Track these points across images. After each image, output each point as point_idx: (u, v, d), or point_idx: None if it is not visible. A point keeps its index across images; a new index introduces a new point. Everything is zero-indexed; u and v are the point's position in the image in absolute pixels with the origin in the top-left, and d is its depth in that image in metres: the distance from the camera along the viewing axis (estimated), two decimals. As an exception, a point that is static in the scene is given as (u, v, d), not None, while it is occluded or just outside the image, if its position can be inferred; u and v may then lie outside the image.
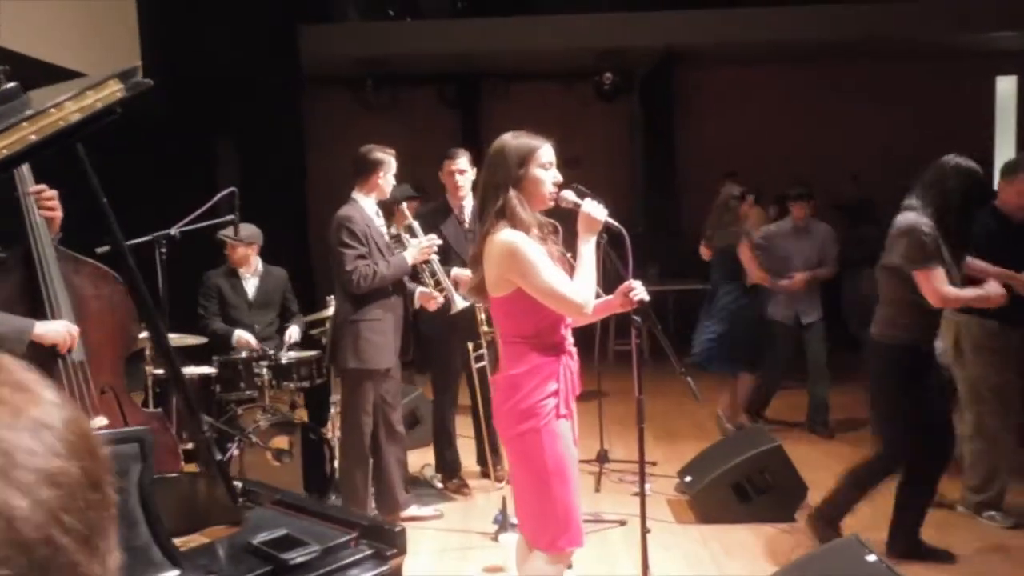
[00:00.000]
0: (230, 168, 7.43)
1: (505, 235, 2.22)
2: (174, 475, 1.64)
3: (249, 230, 4.65)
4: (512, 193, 2.26)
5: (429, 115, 9.41)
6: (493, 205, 2.27)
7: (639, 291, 2.39)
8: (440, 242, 3.89)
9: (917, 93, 9.03)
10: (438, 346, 4.36)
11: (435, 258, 3.92)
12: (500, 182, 2.27)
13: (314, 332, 4.55)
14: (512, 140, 2.33)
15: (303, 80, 8.37)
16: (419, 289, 3.92)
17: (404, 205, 3.88)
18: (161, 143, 6.74)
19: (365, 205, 3.81)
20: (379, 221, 3.87)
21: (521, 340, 2.31)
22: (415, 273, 3.97)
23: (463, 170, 4.27)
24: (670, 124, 9.37)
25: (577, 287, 2.25)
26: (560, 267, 2.34)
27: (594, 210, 2.34)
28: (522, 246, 2.21)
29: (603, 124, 9.54)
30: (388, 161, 3.79)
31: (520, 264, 2.21)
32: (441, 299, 3.90)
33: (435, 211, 4.40)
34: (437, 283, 3.94)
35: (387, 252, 3.79)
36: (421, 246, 3.80)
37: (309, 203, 7.69)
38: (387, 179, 3.79)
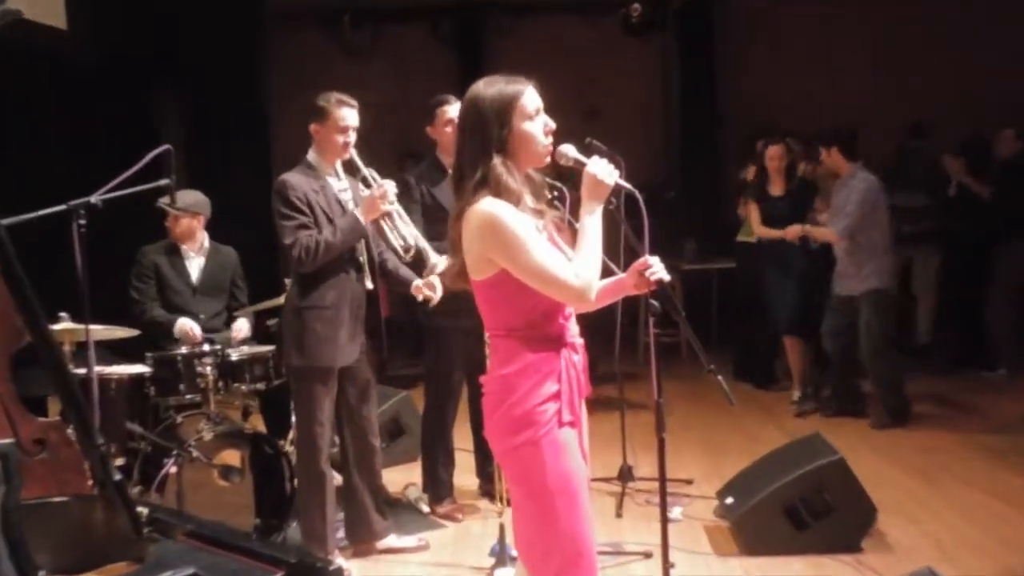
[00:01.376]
0: (175, 124, 7.42)
1: (484, 205, 2.25)
2: (61, 500, 1.57)
3: (192, 198, 4.63)
4: (496, 161, 2.28)
5: (420, 58, 9.38)
6: (471, 178, 2.29)
7: (656, 269, 2.41)
8: (394, 186, 3.85)
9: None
10: (436, 337, 4.37)
11: (396, 209, 3.88)
12: (478, 149, 2.29)
13: (271, 323, 4.56)
14: (485, 91, 2.32)
15: (265, 16, 8.35)
16: (415, 282, 3.94)
17: (354, 152, 3.82)
18: (90, 94, 6.73)
19: (318, 167, 3.82)
20: (340, 185, 3.86)
21: (510, 333, 2.33)
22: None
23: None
24: (711, 66, 9.30)
25: (576, 268, 2.25)
26: (562, 242, 2.36)
27: (601, 170, 2.33)
28: (503, 217, 2.23)
29: (630, 66, 9.49)
30: (331, 113, 3.77)
31: (502, 239, 2.23)
32: (438, 292, 3.88)
33: (425, 172, 4.40)
34: (406, 249, 3.92)
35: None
36: (374, 195, 3.76)
37: (273, 166, 7.71)
38: (331, 137, 3.77)
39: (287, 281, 4.00)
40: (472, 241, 2.28)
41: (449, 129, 4.23)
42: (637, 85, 9.53)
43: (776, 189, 6.13)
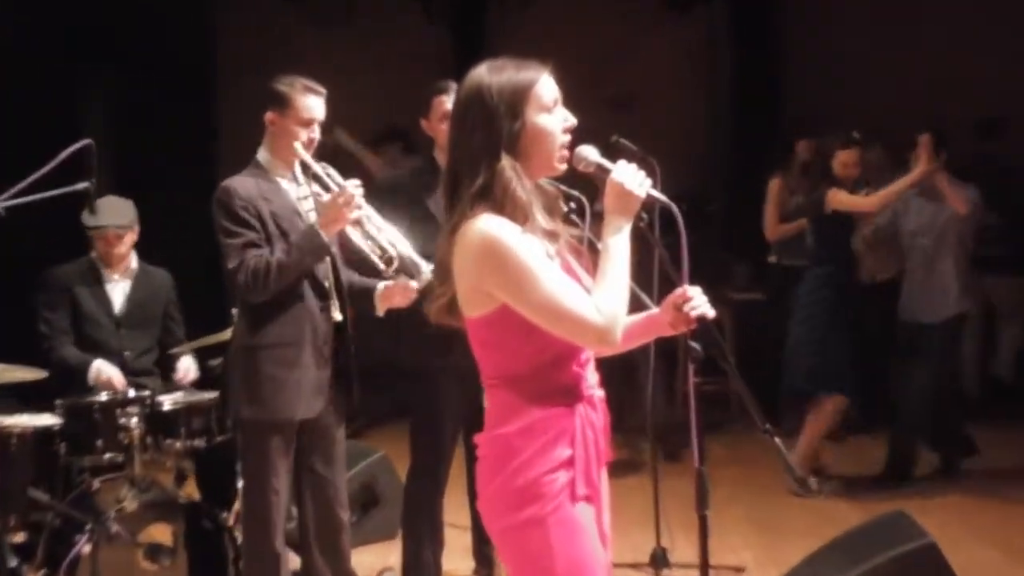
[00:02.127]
0: (98, 112, 7.45)
1: (481, 224, 2.28)
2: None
3: (118, 207, 4.64)
4: (505, 163, 2.31)
5: (407, 35, 9.37)
6: (472, 183, 2.32)
7: (698, 303, 2.42)
8: (360, 185, 3.84)
9: None
10: (424, 380, 4.39)
11: (366, 213, 3.88)
12: (481, 148, 2.33)
13: (214, 363, 4.56)
14: (492, 77, 2.36)
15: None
16: (380, 285, 3.96)
17: (298, 144, 3.84)
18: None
19: (271, 168, 3.87)
20: (299, 191, 3.91)
21: (511, 383, 2.36)
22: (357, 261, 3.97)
23: None
24: (770, 47, 9.30)
25: (598, 301, 2.28)
26: (580, 269, 2.41)
27: (629, 178, 2.36)
28: (506, 240, 2.26)
29: (670, 47, 9.47)
30: (294, 101, 3.80)
31: (504, 268, 2.26)
32: (415, 286, 3.88)
33: (416, 175, 4.47)
34: (384, 254, 3.90)
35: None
36: (336, 202, 3.75)
37: (220, 167, 7.69)
38: (290, 130, 3.80)
39: (235, 312, 4.02)
40: (466, 268, 2.30)
41: (445, 123, 4.25)
42: (677, 71, 9.51)
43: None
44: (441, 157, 4.34)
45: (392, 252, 3.87)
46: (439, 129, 4.31)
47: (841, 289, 6.02)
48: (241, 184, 3.76)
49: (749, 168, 9.01)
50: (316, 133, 3.85)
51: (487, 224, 2.27)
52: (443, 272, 2.39)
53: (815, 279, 6.06)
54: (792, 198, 6.66)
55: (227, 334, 4.26)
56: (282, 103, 3.79)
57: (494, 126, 2.31)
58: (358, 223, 3.85)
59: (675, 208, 2.38)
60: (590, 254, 2.45)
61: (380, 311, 3.96)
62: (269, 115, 3.82)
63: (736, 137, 9.33)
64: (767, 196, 7.10)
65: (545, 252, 2.30)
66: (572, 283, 2.30)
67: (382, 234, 3.89)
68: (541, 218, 2.34)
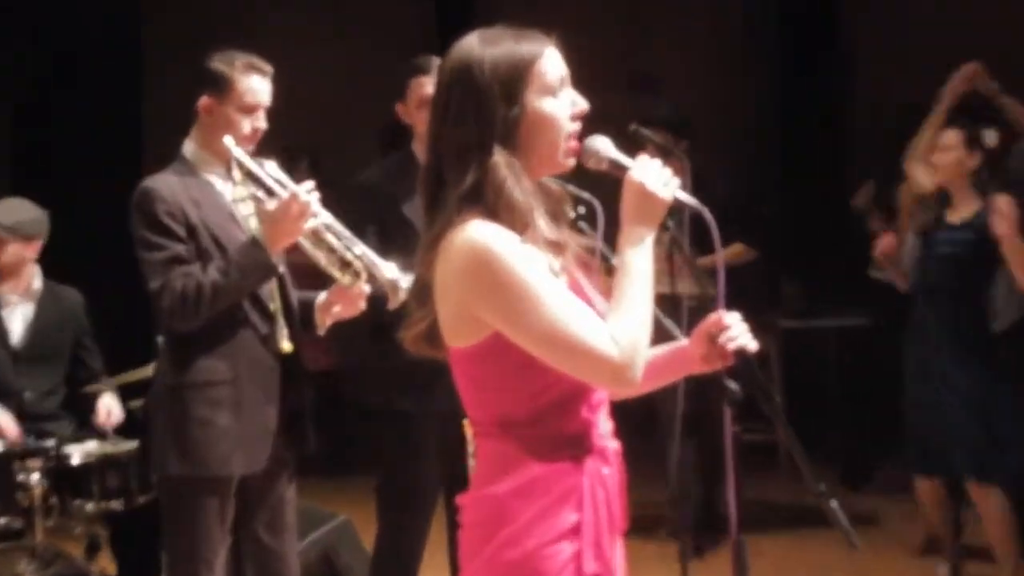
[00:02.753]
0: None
1: (470, 233, 2.29)
2: None
3: (19, 213, 4.65)
4: (499, 156, 2.33)
5: (378, 3, 9.44)
6: (458, 183, 2.34)
7: (737, 332, 2.44)
8: (314, 188, 3.85)
9: None
10: (395, 427, 4.41)
11: (327, 222, 3.90)
12: (470, 138, 2.35)
13: (134, 406, 4.56)
14: (485, 51, 2.38)
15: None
16: (320, 296, 4.02)
17: (228, 139, 3.86)
18: None
19: (201, 164, 3.90)
20: (236, 192, 3.94)
21: (505, 431, 2.37)
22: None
23: None
24: (828, 10, 9.31)
25: (614, 329, 2.29)
26: (591, 289, 2.44)
27: (652, 177, 2.37)
28: (500, 251, 2.28)
29: (707, 11, 9.51)
30: (235, 83, 3.83)
31: (498, 286, 2.28)
32: (364, 289, 3.92)
33: (391, 173, 4.54)
34: (349, 268, 3.92)
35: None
36: (286, 211, 3.76)
37: (144, 163, 7.54)
38: (230, 119, 3.83)
39: (160, 342, 4.03)
40: (451, 287, 2.31)
41: (426, 110, 4.28)
42: (713, 44, 9.52)
43: (958, 209, 5.50)
44: (420, 151, 4.38)
45: (358, 265, 3.89)
46: (418, 117, 4.33)
47: None
48: (164, 184, 3.78)
49: (804, 163, 9.04)
50: (261, 122, 3.88)
51: (477, 233, 2.27)
52: (422, 291, 2.39)
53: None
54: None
55: (149, 370, 4.28)
56: (219, 85, 3.81)
57: (485, 112, 2.32)
58: (314, 234, 3.87)
59: (708, 214, 2.38)
60: (603, 270, 2.46)
61: (322, 327, 4.00)
62: (204, 100, 3.84)
63: (788, 124, 9.32)
64: (899, 199, 6.44)
65: (548, 267, 2.32)
66: (583, 306, 2.31)
67: (344, 243, 3.92)
68: (543, 225, 2.35)
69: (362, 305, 3.93)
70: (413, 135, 4.46)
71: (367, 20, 9.18)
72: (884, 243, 5.75)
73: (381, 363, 4.06)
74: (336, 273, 3.91)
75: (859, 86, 9.17)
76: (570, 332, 2.25)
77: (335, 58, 8.65)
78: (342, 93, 7.86)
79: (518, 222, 2.30)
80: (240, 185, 3.92)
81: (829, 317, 8.06)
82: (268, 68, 3.89)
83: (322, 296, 3.97)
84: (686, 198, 2.39)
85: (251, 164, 3.90)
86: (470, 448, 3.92)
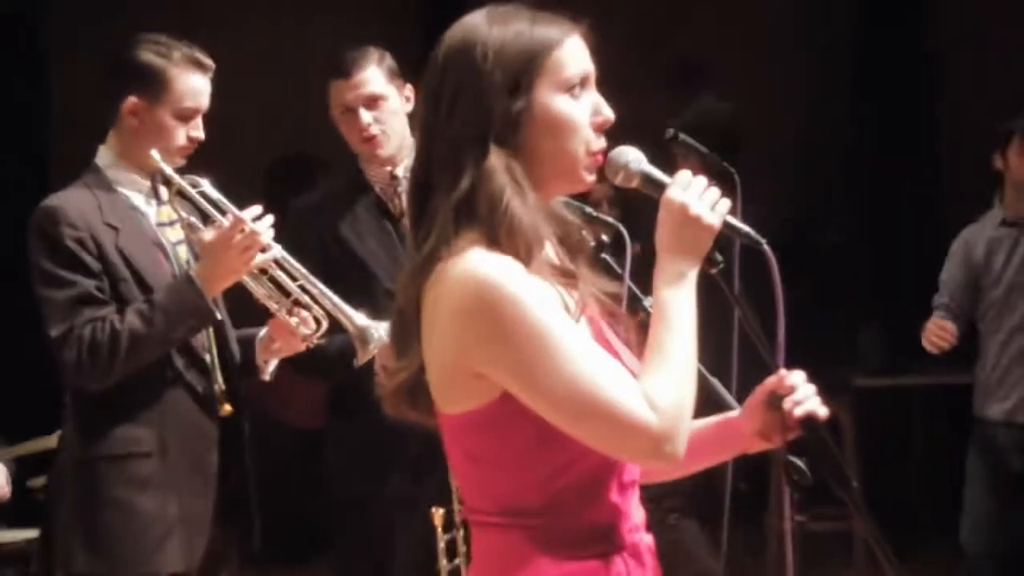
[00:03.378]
0: None
1: (473, 265, 2.28)
2: None
3: None
4: (496, 158, 2.33)
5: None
6: (449, 190, 2.34)
7: (803, 395, 2.43)
8: (263, 213, 3.90)
9: None
10: (350, 519, 4.49)
11: (279, 256, 4.00)
12: (465, 132, 2.35)
13: (34, 484, 4.65)
14: (493, 30, 2.38)
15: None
16: (261, 331, 4.12)
17: (155, 153, 3.90)
18: None
19: (119, 179, 3.94)
20: (162, 215, 4.00)
21: (513, 522, 2.37)
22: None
23: (375, 96, 4.52)
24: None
25: (650, 389, 2.28)
26: (617, 339, 2.46)
27: (693, 197, 2.36)
28: (510, 290, 2.27)
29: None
30: (172, 82, 3.88)
31: (507, 334, 2.27)
32: (308, 327, 4.01)
33: (339, 192, 4.71)
34: (314, 321, 4.02)
35: (173, 279, 3.93)
36: (229, 242, 3.81)
37: (51, 174, 7.74)
38: (162, 124, 3.88)
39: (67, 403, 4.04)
40: (447, 335, 2.29)
41: (355, 118, 4.49)
42: (769, 27, 9.59)
43: None
44: (371, 170, 4.59)
45: (317, 311, 3.97)
46: (345, 127, 4.54)
47: None
48: (72, 203, 3.81)
49: (884, 183, 9.04)
50: (199, 130, 3.93)
51: (481, 265, 2.26)
52: (405, 332, 2.39)
53: None
54: None
55: (53, 441, 4.34)
56: (150, 83, 3.85)
57: (483, 101, 2.33)
58: (263, 272, 3.94)
59: (765, 245, 2.38)
60: (632, 314, 2.50)
61: (264, 370, 4.10)
62: (130, 101, 3.86)
63: (862, 133, 9.34)
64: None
65: (563, 303, 2.32)
66: (611, 360, 2.30)
67: (300, 283, 4.00)
68: (552, 253, 2.38)
69: (301, 342, 3.98)
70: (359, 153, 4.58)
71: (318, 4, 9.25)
72: (939, 332, 6.11)
73: (340, 434, 4.10)
74: (288, 319, 3.97)
75: (950, 92, 9.22)
76: (599, 394, 2.23)
77: (294, 44, 8.71)
78: (306, 89, 7.81)
79: (520, 244, 2.30)
80: (167, 205, 3.95)
81: (915, 374, 8.04)
82: (210, 63, 3.94)
83: (263, 332, 4.02)
84: (738, 225, 2.39)
85: (183, 182, 3.93)
86: (440, 543, 3.94)
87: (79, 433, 3.80)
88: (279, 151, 8.28)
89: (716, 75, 9.01)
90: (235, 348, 4.03)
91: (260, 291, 3.97)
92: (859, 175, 9.32)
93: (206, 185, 3.97)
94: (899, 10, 9.33)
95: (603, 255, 2.61)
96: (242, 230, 3.80)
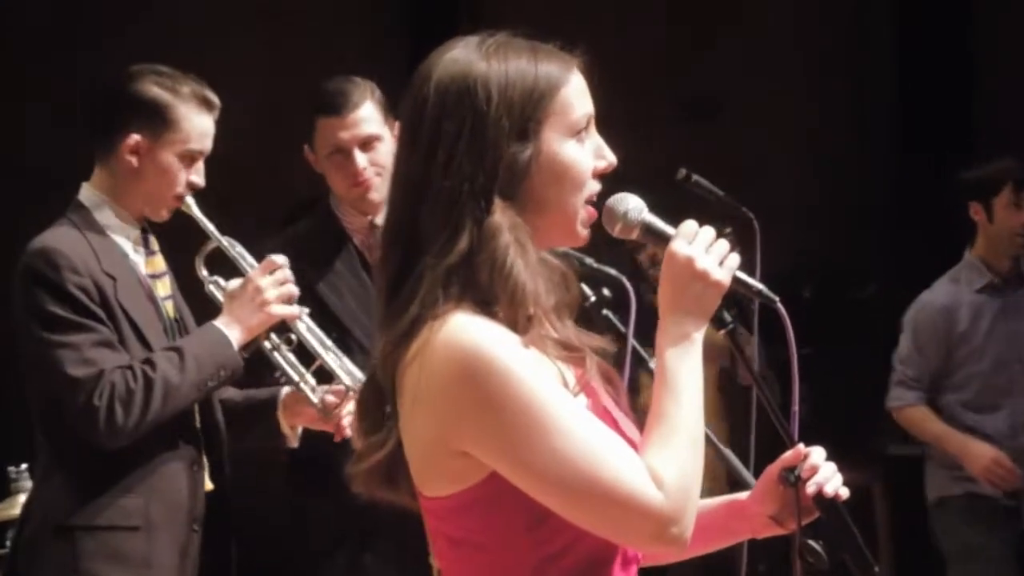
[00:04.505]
0: None
1: (457, 332, 2.27)
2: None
3: None
4: (501, 215, 2.30)
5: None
6: (443, 252, 2.31)
7: (824, 475, 2.44)
8: (287, 264, 3.99)
9: None
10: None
11: (301, 314, 4.09)
12: (466, 184, 2.31)
13: None
14: (493, 65, 2.36)
15: None
16: (283, 391, 4.14)
17: (191, 201, 3.99)
18: None
19: (110, 223, 3.95)
20: (151, 267, 4.03)
21: None
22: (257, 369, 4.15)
23: (371, 137, 4.55)
24: (955, 20, 9.35)
25: (654, 464, 2.28)
26: (618, 410, 2.45)
27: (700, 254, 2.36)
28: (500, 361, 2.26)
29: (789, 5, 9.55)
30: (181, 117, 3.90)
31: (496, 409, 2.26)
32: (335, 412, 4.03)
33: (307, 240, 4.74)
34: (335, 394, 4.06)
35: (165, 337, 3.97)
36: (258, 291, 3.90)
37: (23, 202, 7.73)
38: (165, 167, 3.90)
39: (22, 471, 4.14)
40: (428, 411, 2.27)
41: (349, 160, 4.51)
42: (798, 60, 9.59)
43: None
44: (345, 215, 4.65)
45: (348, 381, 4.02)
46: (330, 169, 4.54)
47: None
48: (69, 246, 3.80)
49: (920, 226, 8.95)
50: (200, 176, 3.97)
51: (466, 332, 2.24)
52: (378, 407, 2.38)
53: None
54: None
55: (14, 507, 4.39)
56: (156, 119, 3.86)
57: (489, 148, 2.29)
58: (284, 330, 4.02)
59: (780, 307, 2.41)
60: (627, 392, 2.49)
61: (292, 436, 4.11)
62: (133, 138, 3.87)
63: (901, 173, 9.36)
64: None
65: (561, 379, 2.30)
66: (612, 436, 2.28)
67: (315, 342, 4.08)
68: (554, 320, 2.37)
69: (325, 417, 4.02)
70: (330, 192, 4.62)
71: (297, 18, 9.21)
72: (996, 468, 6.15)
73: (306, 515, 4.14)
74: (305, 390, 4.03)
75: (990, 129, 9.21)
76: (598, 473, 2.22)
77: (271, 60, 8.74)
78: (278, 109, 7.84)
79: (519, 314, 2.28)
80: (156, 255, 4.00)
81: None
82: (218, 102, 3.99)
83: (285, 392, 4.05)
84: (751, 281, 2.40)
85: (205, 220, 4.01)
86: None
87: (63, 497, 3.79)
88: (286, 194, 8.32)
89: (733, 109, 9.11)
90: (220, 417, 4.03)
91: (284, 363, 4.03)
92: (892, 225, 9.33)
93: (230, 240, 4.07)
94: (943, 48, 9.37)
95: (605, 311, 2.57)
96: (272, 277, 3.90)
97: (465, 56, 2.35)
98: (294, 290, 3.95)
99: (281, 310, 3.91)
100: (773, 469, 2.47)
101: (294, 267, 4.37)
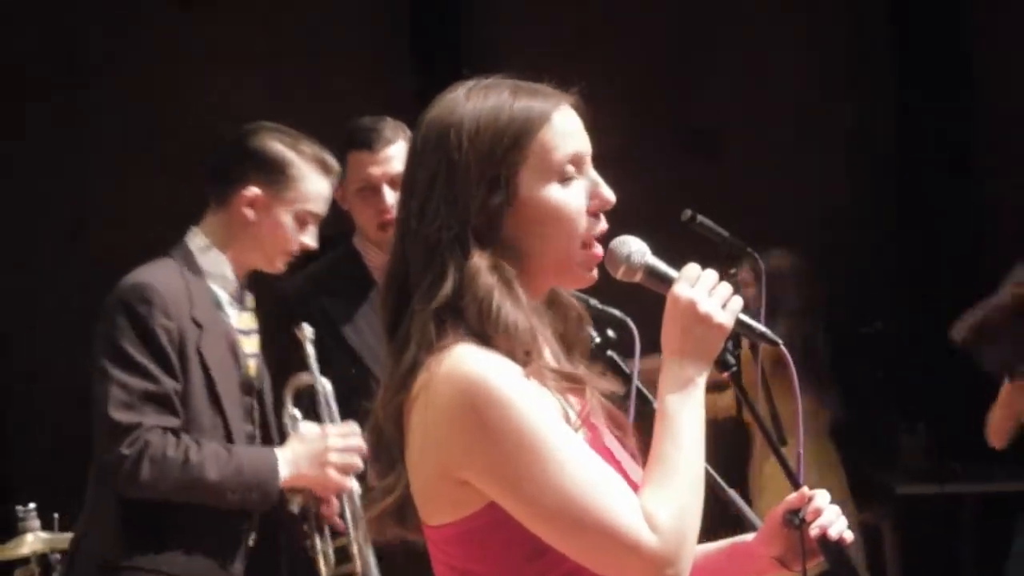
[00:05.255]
0: None
1: (457, 362, 2.32)
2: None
3: None
4: (479, 258, 2.36)
5: (341, 27, 9.41)
6: (428, 296, 2.37)
7: (828, 519, 2.49)
8: (359, 441, 3.95)
9: None
10: None
11: (351, 491, 4.11)
12: (441, 230, 2.38)
13: None
14: (469, 105, 2.42)
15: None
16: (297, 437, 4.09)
17: (308, 327, 4.13)
18: None
19: (207, 268, 4.01)
20: (241, 321, 4.09)
21: None
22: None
23: (399, 176, 4.47)
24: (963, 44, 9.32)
25: (651, 506, 2.31)
26: (620, 449, 2.49)
27: (703, 297, 2.41)
28: (498, 389, 2.30)
29: (790, 34, 9.52)
30: (302, 177, 3.98)
31: (493, 437, 2.30)
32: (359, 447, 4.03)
33: (328, 278, 4.75)
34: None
35: (237, 406, 4.00)
36: (326, 453, 3.93)
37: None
38: (280, 221, 3.97)
39: (29, 509, 4.21)
40: (430, 440, 2.31)
41: (377, 197, 4.54)
42: (803, 87, 9.54)
43: None
44: (367, 250, 4.64)
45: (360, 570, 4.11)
46: (361, 205, 4.56)
47: None
48: (166, 285, 3.86)
49: (930, 264, 9.02)
50: (314, 240, 4.06)
51: (466, 362, 2.28)
52: (386, 453, 2.42)
53: None
54: None
55: (20, 546, 4.41)
56: (276, 175, 3.95)
57: (458, 195, 2.35)
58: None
59: (784, 350, 2.45)
60: (635, 428, 2.49)
61: (292, 499, 4.08)
62: (252, 191, 3.94)
63: (910, 204, 9.32)
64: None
65: (562, 413, 2.33)
66: (610, 472, 2.32)
67: (350, 518, 4.12)
68: (551, 355, 2.39)
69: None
70: (356, 228, 4.64)
71: (304, 46, 9.25)
72: None
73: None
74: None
75: (1002, 174, 9.22)
76: (592, 508, 2.25)
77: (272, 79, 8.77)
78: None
79: (516, 349, 2.31)
80: (247, 312, 4.07)
81: (963, 481, 7.96)
82: (337, 167, 4.08)
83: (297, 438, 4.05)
84: (755, 324, 2.45)
85: (321, 382, 4.11)
86: None
87: (110, 535, 3.84)
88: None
89: (736, 143, 9.11)
90: None
91: (312, 530, 4.08)
92: (898, 261, 9.33)
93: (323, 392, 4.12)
94: (943, 82, 9.32)
95: (610, 352, 2.60)
96: (344, 442, 3.94)
97: (452, 101, 2.41)
98: (358, 464, 3.93)
99: (336, 478, 3.92)
100: (778, 511, 2.50)
101: (315, 304, 4.51)
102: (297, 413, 4.09)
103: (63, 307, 7.81)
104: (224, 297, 3.95)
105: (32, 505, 4.53)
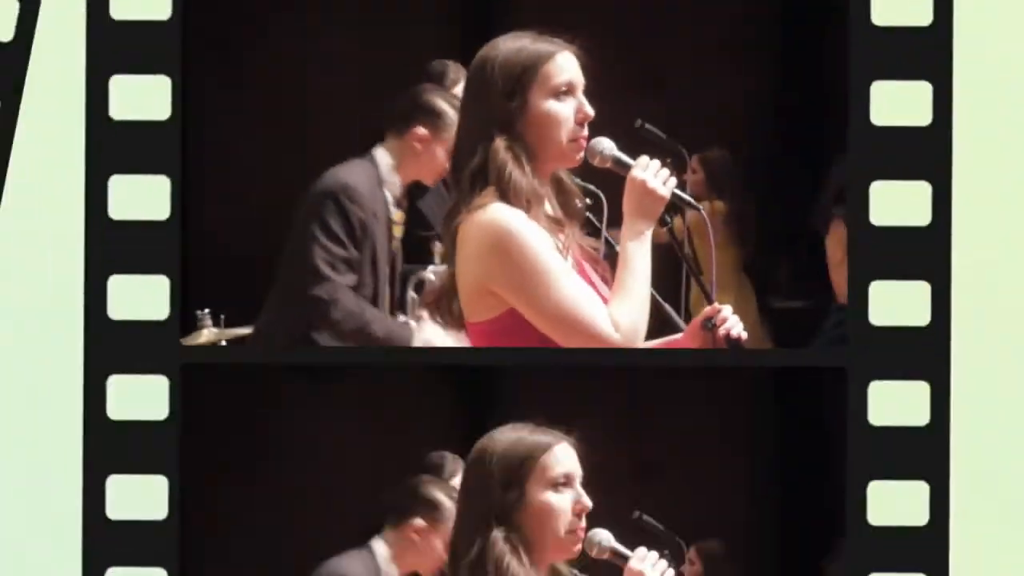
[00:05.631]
0: None
1: (492, 214, 2.87)
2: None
3: None
4: (500, 141, 2.90)
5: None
6: (468, 164, 2.93)
7: (731, 323, 3.02)
8: None
9: None
10: None
11: None
12: (479, 122, 2.96)
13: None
14: (502, 48, 2.95)
15: None
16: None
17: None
18: None
19: (387, 177, 4.30)
20: (396, 214, 4.33)
21: None
22: None
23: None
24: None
25: (615, 313, 2.90)
26: (596, 276, 3.04)
27: (651, 178, 2.97)
28: (518, 232, 2.86)
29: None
30: (452, 119, 3.96)
31: (515, 264, 2.86)
32: None
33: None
34: None
35: (386, 282, 4.25)
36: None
37: None
38: (436, 155, 4.19)
39: (205, 312, 4.33)
40: (470, 265, 2.91)
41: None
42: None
43: None
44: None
45: None
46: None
47: None
48: (361, 184, 4.17)
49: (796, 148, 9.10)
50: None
51: (498, 214, 2.85)
52: (447, 255, 2.98)
53: None
54: None
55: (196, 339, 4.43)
56: (436, 121, 4.23)
57: (488, 103, 2.91)
58: None
59: (703, 212, 3.06)
60: (597, 261, 3.06)
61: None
62: (420, 131, 4.26)
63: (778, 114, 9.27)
64: None
65: (555, 246, 2.88)
66: (589, 290, 2.91)
67: None
68: (548, 206, 2.93)
69: None
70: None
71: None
72: None
73: None
74: None
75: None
76: (577, 313, 2.83)
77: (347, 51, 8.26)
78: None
79: (523, 201, 2.85)
80: (399, 212, 4.38)
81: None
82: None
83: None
84: (682, 195, 3.00)
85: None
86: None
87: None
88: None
89: (673, 72, 9.28)
90: None
91: None
92: (769, 152, 8.29)
93: None
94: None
95: (587, 214, 3.12)
96: None
97: (494, 43, 2.93)
98: None
99: None
100: (696, 319, 2.99)
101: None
102: (415, 295, 4.25)
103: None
104: (391, 199, 4.26)
105: (207, 310, 4.44)
